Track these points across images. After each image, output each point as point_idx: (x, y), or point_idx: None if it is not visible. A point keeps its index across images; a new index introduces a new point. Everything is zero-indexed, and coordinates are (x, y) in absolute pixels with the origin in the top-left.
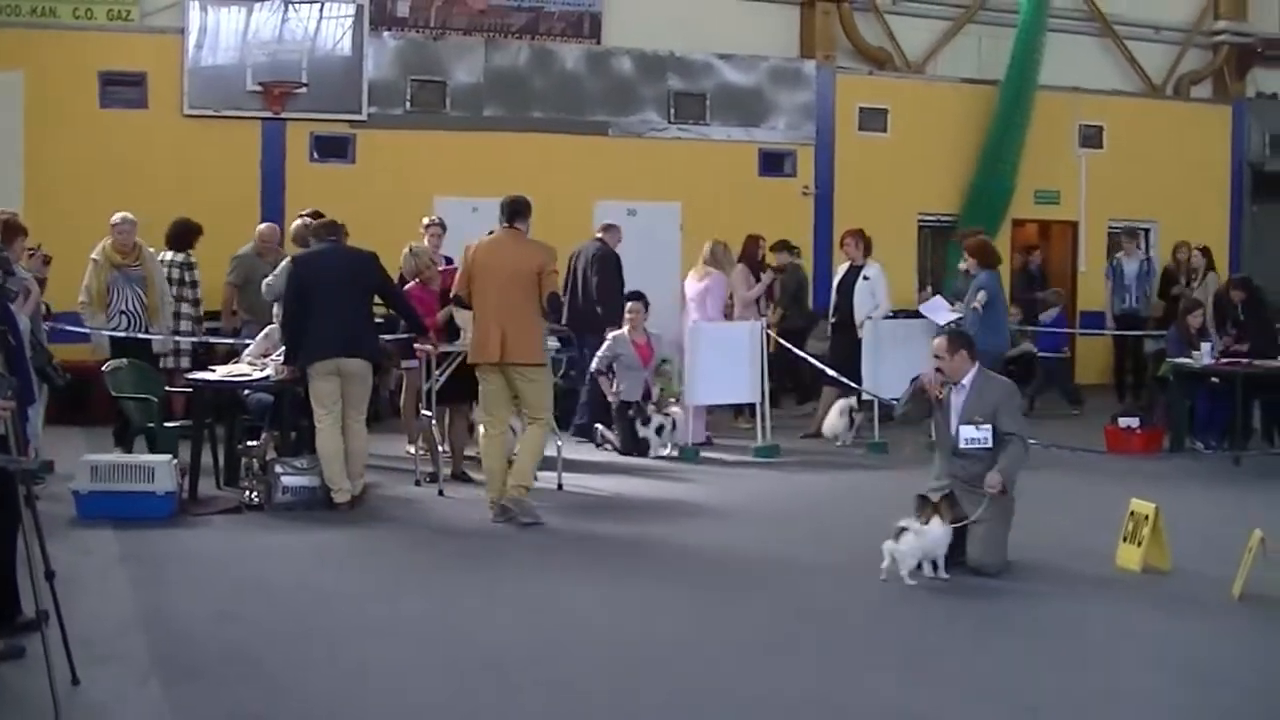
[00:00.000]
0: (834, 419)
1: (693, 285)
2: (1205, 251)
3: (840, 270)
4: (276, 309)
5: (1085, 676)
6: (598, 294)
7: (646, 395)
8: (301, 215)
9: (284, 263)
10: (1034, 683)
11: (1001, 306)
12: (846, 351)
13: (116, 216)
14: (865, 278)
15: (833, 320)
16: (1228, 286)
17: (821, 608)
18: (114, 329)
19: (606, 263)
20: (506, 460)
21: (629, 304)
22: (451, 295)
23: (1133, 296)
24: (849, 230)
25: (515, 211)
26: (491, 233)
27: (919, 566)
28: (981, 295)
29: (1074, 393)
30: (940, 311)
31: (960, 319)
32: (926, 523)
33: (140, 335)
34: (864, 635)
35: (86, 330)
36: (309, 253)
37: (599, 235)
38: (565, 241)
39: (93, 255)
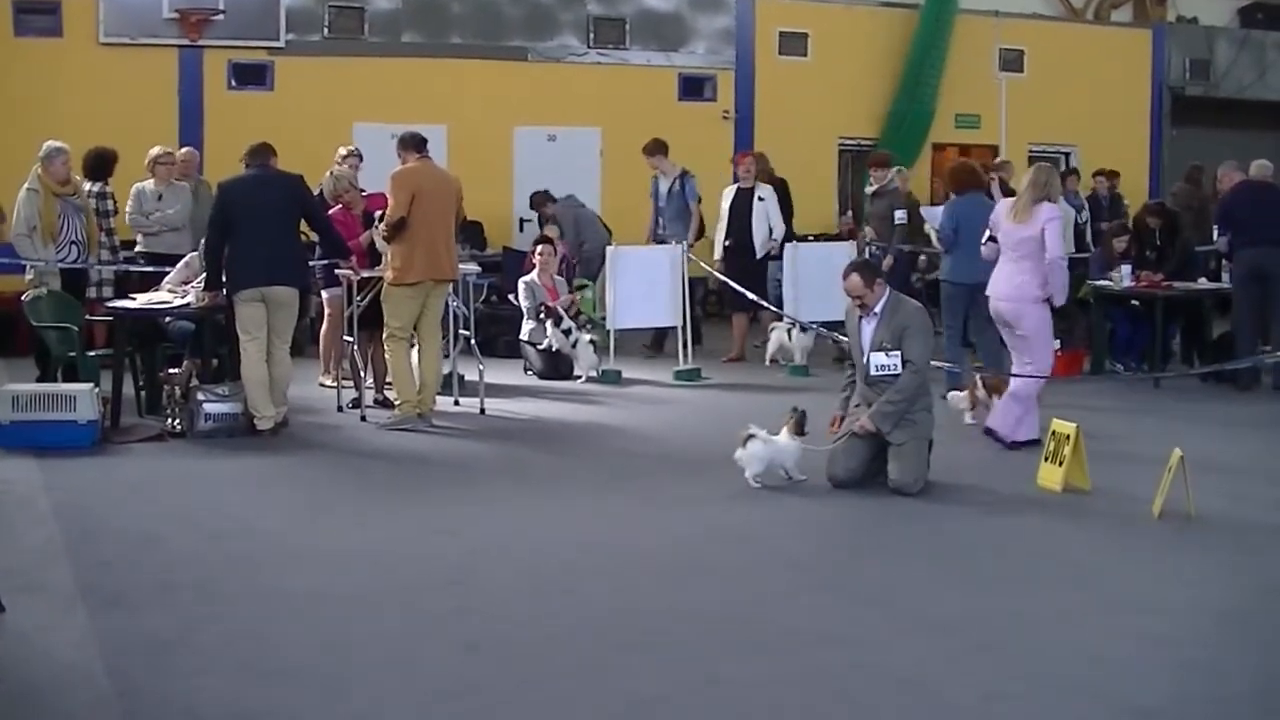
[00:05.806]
0: (801, 340)
1: (1017, 232)
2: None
3: (729, 193)
4: (140, 239)
5: (1005, 597)
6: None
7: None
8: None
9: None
10: (954, 603)
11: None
12: (751, 275)
13: (50, 146)
14: (760, 199)
15: (726, 244)
16: (1144, 213)
17: (739, 528)
18: (62, 259)
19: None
20: None
21: (537, 246)
22: (394, 219)
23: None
24: (747, 152)
25: (422, 143)
26: (406, 161)
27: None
28: (932, 226)
29: None
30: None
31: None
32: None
33: (88, 265)
34: (783, 556)
35: (23, 261)
36: (238, 178)
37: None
38: (485, 167)
39: (28, 186)
